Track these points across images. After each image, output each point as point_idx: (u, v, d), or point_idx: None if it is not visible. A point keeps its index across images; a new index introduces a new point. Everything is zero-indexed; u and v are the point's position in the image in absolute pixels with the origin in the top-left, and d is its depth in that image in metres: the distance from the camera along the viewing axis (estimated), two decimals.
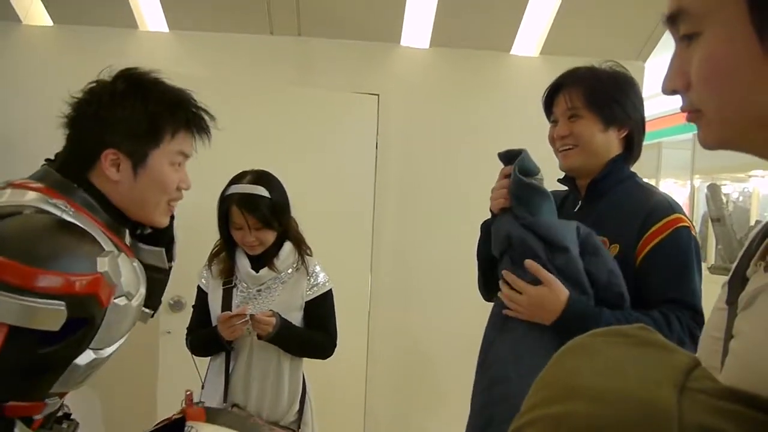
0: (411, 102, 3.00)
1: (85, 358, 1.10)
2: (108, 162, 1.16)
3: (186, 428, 1.33)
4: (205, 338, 2.00)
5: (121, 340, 1.21)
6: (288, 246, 2.00)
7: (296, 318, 1.98)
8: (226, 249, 2.01)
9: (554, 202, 1.45)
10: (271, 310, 1.91)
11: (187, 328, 2.10)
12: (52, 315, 0.96)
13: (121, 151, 1.16)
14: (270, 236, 1.94)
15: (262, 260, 1.98)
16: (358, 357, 2.88)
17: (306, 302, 2.00)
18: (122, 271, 1.12)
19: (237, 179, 1.97)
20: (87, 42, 2.86)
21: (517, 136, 2.95)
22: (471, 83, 3.03)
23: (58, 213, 1.08)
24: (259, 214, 1.88)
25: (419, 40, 2.99)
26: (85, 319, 1.03)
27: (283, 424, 1.92)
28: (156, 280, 1.40)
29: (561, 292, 1.32)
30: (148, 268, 1.34)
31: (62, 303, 0.96)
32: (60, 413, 1.24)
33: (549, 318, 1.33)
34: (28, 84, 2.86)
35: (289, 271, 2.00)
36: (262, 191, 1.91)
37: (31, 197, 1.08)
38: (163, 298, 1.52)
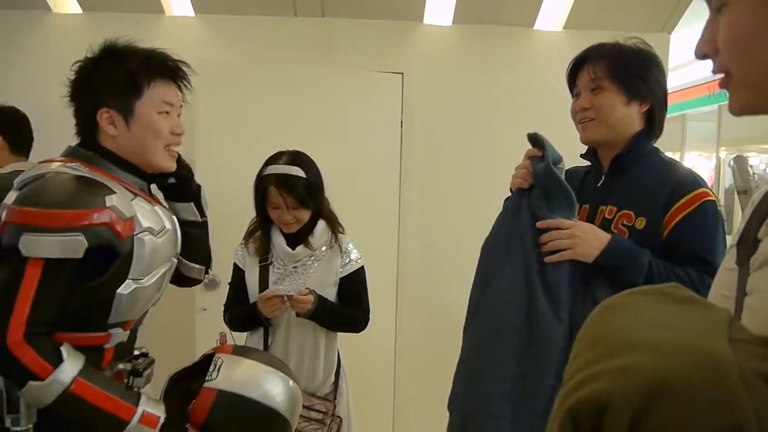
0: (435, 80, 3.01)
1: (126, 288, 1.32)
2: (104, 121, 1.36)
3: (214, 359, 1.41)
4: (243, 314, 2.07)
5: (158, 274, 1.41)
6: (322, 224, 2.06)
7: (331, 294, 2.04)
8: (262, 227, 2.07)
9: (573, 195, 1.49)
10: (307, 288, 1.97)
11: (225, 305, 2.17)
12: (73, 244, 1.20)
13: (111, 108, 1.36)
14: (306, 215, 1.99)
15: (297, 238, 2.03)
16: (387, 333, 2.94)
17: (340, 278, 2.06)
18: (139, 210, 1.33)
19: (273, 160, 2.03)
20: (115, 29, 2.80)
21: (540, 111, 2.99)
22: (494, 59, 3.03)
23: (72, 172, 1.31)
24: (295, 194, 1.94)
25: (442, 17, 3.00)
26: (114, 251, 1.27)
27: (320, 395, 2.00)
28: (195, 234, 1.61)
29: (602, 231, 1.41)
30: (187, 224, 1.57)
31: (80, 233, 1.21)
32: (137, 352, 1.47)
33: (596, 249, 1.39)
34: (60, 72, 2.91)
35: (323, 248, 2.06)
36: (298, 171, 1.97)
37: (52, 166, 1.32)
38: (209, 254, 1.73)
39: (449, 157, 3.05)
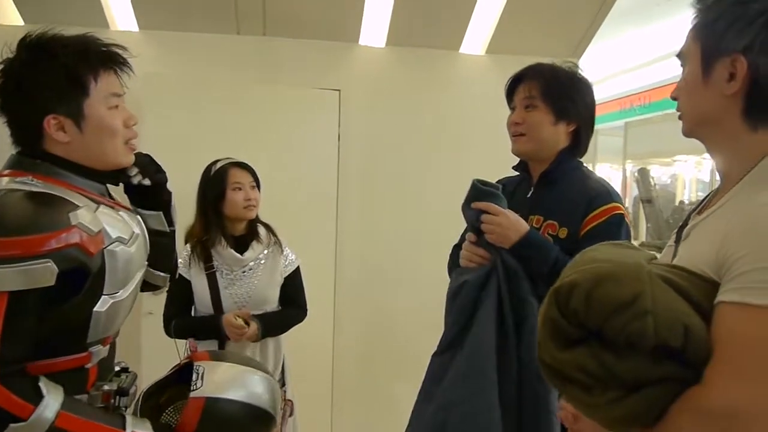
0: (370, 97, 3.23)
1: (102, 304, 1.21)
2: (52, 128, 1.20)
3: (195, 367, 1.37)
4: (197, 327, 2.22)
5: (134, 284, 1.31)
6: (262, 229, 2.27)
7: (276, 293, 2.25)
8: (212, 226, 2.19)
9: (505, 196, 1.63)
10: (246, 319, 2.12)
11: (166, 316, 2.25)
12: (41, 272, 1.08)
13: (58, 113, 1.20)
14: (258, 198, 2.22)
15: (242, 244, 2.21)
16: (326, 330, 3.14)
17: (284, 278, 2.27)
18: (106, 220, 1.21)
19: (217, 160, 2.25)
20: None
21: (465, 127, 3.28)
22: (424, 79, 3.29)
23: (25, 188, 1.16)
24: (252, 173, 2.21)
25: (376, 39, 3.23)
26: (83, 271, 1.15)
27: None
28: (162, 244, 1.49)
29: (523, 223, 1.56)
30: (153, 233, 1.45)
31: (48, 260, 1.08)
32: (118, 368, 1.38)
33: (515, 237, 1.52)
34: None
35: (266, 251, 2.25)
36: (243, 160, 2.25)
37: (1, 183, 1.18)
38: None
39: (383, 167, 3.27)
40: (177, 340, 2.28)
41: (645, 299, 0.82)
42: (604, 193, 1.63)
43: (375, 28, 3.19)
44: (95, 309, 1.20)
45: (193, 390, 1.31)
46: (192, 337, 2.25)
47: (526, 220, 1.65)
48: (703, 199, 1.05)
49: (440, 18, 3.11)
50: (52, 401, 1.11)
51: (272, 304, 2.26)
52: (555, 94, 1.65)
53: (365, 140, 3.24)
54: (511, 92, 1.74)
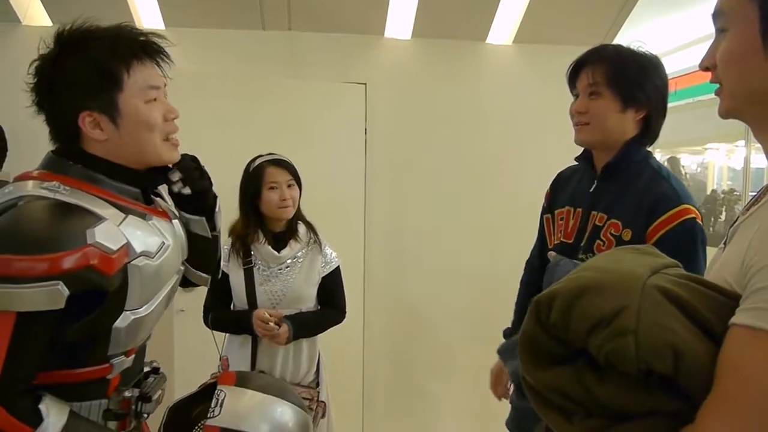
0: (396, 89, 3.21)
1: (123, 321, 1.14)
2: (88, 126, 1.15)
3: (216, 392, 1.35)
4: (232, 321, 2.21)
5: (160, 298, 1.23)
6: (302, 227, 2.24)
7: (313, 293, 2.22)
8: (251, 223, 2.19)
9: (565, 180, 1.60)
10: (278, 320, 2.10)
11: (205, 306, 2.27)
12: (51, 294, 1.01)
13: (92, 110, 1.14)
14: (297, 196, 2.19)
15: (281, 241, 2.20)
16: (356, 325, 3.12)
17: (321, 277, 2.24)
18: (131, 232, 1.14)
19: (257, 156, 2.23)
20: None
21: (492, 118, 3.24)
22: (450, 71, 3.25)
23: (51, 195, 1.09)
24: (291, 170, 2.18)
25: (402, 31, 3.20)
26: (101, 291, 1.08)
27: (303, 384, 2.17)
28: (204, 247, 1.43)
29: None
30: (196, 237, 1.39)
31: (58, 282, 1.01)
32: (148, 368, 1.33)
33: None
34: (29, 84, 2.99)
35: (304, 250, 2.22)
36: (285, 157, 2.21)
37: (28, 187, 1.11)
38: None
39: (410, 160, 3.25)
40: (215, 333, 2.28)
41: (628, 315, 0.69)
42: (672, 194, 1.47)
43: (400, 20, 3.16)
44: (115, 325, 1.14)
45: (210, 417, 1.29)
46: (227, 330, 2.25)
47: (588, 216, 1.58)
48: (757, 193, 0.88)
49: (466, 8, 3.07)
50: (53, 424, 1.05)
51: (308, 303, 2.23)
52: (622, 80, 1.51)
53: (392, 133, 3.22)
54: (573, 78, 1.61)
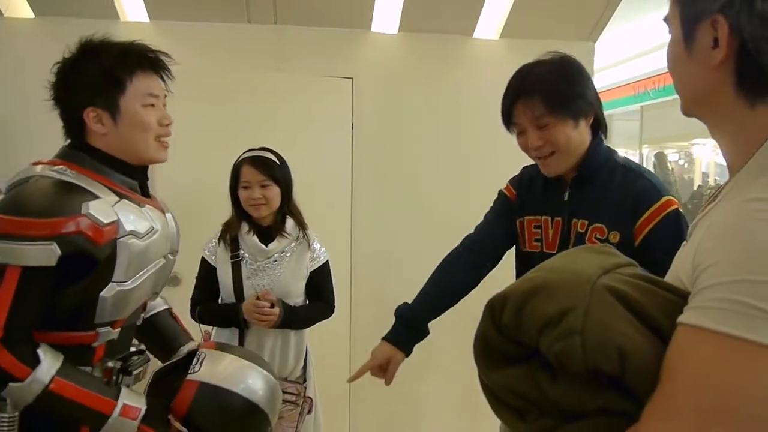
0: (383, 84, 3.20)
1: (109, 290, 1.33)
2: (91, 120, 1.36)
3: (198, 353, 1.46)
4: (220, 313, 2.20)
5: (146, 275, 1.39)
6: (291, 221, 2.23)
7: (301, 287, 2.22)
8: (236, 218, 2.20)
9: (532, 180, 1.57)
10: (273, 300, 2.10)
11: (193, 299, 2.27)
12: (46, 253, 1.22)
13: (97, 106, 1.35)
14: (275, 195, 2.15)
15: (268, 236, 2.18)
16: (342, 320, 3.11)
17: (309, 272, 2.23)
18: (123, 213, 1.33)
19: (247, 151, 2.21)
20: (68, 33, 2.87)
21: (478, 113, 3.23)
22: (437, 66, 3.24)
23: (57, 176, 1.31)
24: (264, 168, 2.12)
25: (388, 25, 3.19)
26: (92, 258, 1.27)
27: (291, 379, 2.16)
28: None
29: None
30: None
31: (52, 242, 1.22)
32: (133, 349, 1.49)
33: None
34: (12, 76, 2.95)
35: (293, 244, 2.22)
36: (269, 155, 2.18)
37: (37, 169, 1.34)
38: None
39: (397, 155, 3.24)
40: (203, 327, 2.27)
41: (575, 316, 0.70)
42: (651, 188, 1.49)
43: (387, 14, 3.14)
44: (101, 294, 1.32)
45: (191, 373, 1.40)
46: (214, 324, 2.24)
47: (569, 225, 1.57)
48: (715, 191, 0.88)
49: (453, 3, 3.06)
50: (48, 366, 1.24)
51: (296, 298, 2.23)
52: (563, 102, 1.49)
53: (379, 128, 3.21)
54: (508, 115, 1.58)
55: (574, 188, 1.58)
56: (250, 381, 1.44)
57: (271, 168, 2.15)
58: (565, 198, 1.59)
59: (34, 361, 1.24)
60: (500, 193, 1.86)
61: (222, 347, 1.54)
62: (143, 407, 1.34)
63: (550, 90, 1.49)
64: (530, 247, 1.70)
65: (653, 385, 0.68)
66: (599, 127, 1.59)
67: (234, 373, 1.44)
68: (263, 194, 2.13)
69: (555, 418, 0.72)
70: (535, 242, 1.68)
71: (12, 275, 1.22)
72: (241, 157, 2.20)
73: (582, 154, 1.55)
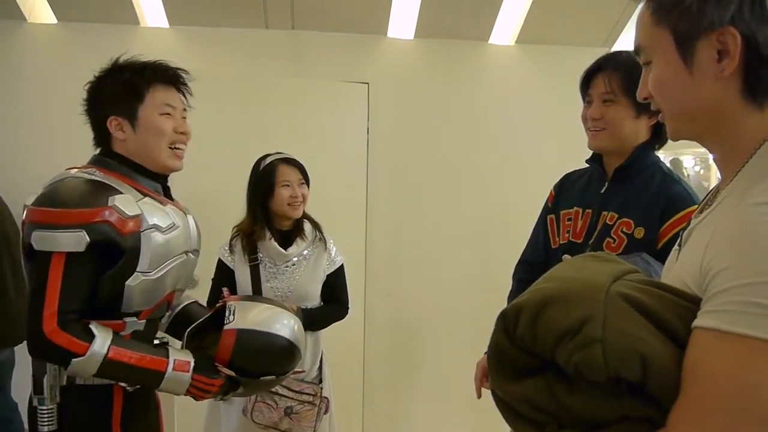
0: (398, 89, 3.22)
1: (134, 279, 1.44)
2: (114, 128, 1.52)
3: (228, 306, 1.59)
4: None
5: (168, 267, 1.51)
6: (308, 225, 2.26)
7: (317, 290, 2.24)
8: (258, 221, 2.20)
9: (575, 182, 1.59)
10: (292, 305, 2.11)
11: (208, 302, 2.25)
12: (77, 239, 1.35)
13: (118, 115, 1.50)
14: (307, 195, 2.23)
15: (288, 239, 2.21)
16: (357, 322, 3.12)
17: (326, 275, 2.26)
18: (147, 209, 1.46)
19: (266, 155, 2.25)
20: (90, 38, 3.00)
21: (493, 118, 3.24)
22: (453, 70, 3.26)
23: (87, 176, 1.46)
24: (302, 170, 2.21)
25: (405, 31, 3.21)
26: (118, 248, 1.40)
27: (307, 380, 2.18)
28: None
29: None
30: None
31: (82, 230, 1.36)
32: (157, 341, 1.59)
33: None
34: (35, 81, 3.01)
35: (310, 248, 2.25)
36: (293, 156, 2.25)
37: (71, 172, 1.49)
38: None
39: (412, 159, 3.26)
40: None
41: (594, 325, 0.70)
42: (684, 195, 1.52)
43: (403, 20, 3.17)
44: (127, 283, 1.43)
45: (227, 324, 1.54)
46: None
47: (598, 216, 1.61)
48: (706, 196, 0.88)
49: (469, 8, 3.08)
50: (102, 339, 1.38)
51: (313, 300, 2.25)
52: (636, 88, 1.56)
53: (394, 133, 3.23)
54: (586, 83, 1.64)
55: (612, 182, 1.63)
56: (284, 322, 1.62)
57: (303, 169, 2.23)
58: (602, 191, 1.64)
59: (90, 337, 1.37)
60: (545, 203, 1.89)
61: (248, 298, 1.73)
62: (192, 360, 1.48)
63: (631, 72, 1.51)
64: (561, 239, 1.73)
65: (675, 389, 0.69)
66: (659, 136, 1.61)
67: (267, 317, 1.60)
68: (302, 193, 2.20)
69: (575, 428, 0.72)
70: (566, 234, 1.71)
71: (58, 262, 1.36)
72: (269, 160, 2.22)
73: (631, 147, 1.59)
